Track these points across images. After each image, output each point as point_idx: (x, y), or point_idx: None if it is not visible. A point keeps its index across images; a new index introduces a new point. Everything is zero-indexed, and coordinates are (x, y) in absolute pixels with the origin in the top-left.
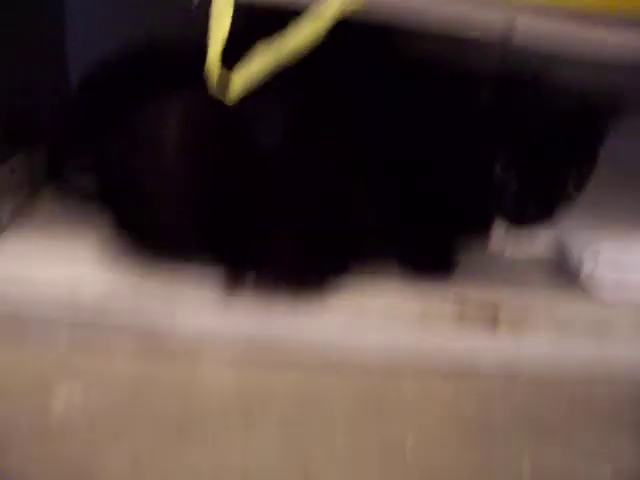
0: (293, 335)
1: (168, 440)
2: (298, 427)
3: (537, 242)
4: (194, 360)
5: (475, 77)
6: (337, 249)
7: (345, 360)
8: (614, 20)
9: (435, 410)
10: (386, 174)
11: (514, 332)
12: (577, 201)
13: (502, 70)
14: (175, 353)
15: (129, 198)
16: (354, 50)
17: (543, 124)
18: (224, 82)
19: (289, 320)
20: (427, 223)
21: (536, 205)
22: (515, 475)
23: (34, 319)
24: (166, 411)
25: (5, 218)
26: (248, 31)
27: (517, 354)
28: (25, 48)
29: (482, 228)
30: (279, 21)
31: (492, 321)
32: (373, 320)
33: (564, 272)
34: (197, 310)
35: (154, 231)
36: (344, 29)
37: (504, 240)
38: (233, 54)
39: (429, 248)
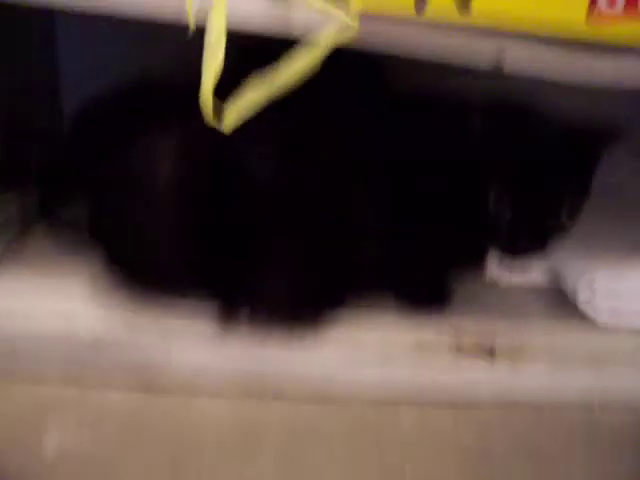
0: (288, 369)
1: (163, 476)
2: (295, 460)
3: (532, 271)
4: (189, 395)
5: (466, 107)
6: (332, 283)
7: (342, 393)
8: (604, 47)
9: (433, 441)
10: (380, 207)
11: (511, 362)
12: (571, 229)
13: (493, 100)
14: (170, 388)
15: (121, 233)
16: (347, 82)
17: (535, 154)
18: (218, 114)
19: (284, 354)
20: (421, 255)
21: (529, 235)
22: None
23: (27, 354)
24: (161, 446)
25: None
26: (241, 64)
27: (515, 384)
28: (18, 85)
29: (477, 258)
30: (272, 52)
31: (489, 351)
32: (369, 353)
33: (560, 301)
34: (192, 345)
35: (147, 266)
36: (337, 59)
37: (499, 269)
38: (226, 86)
39: (424, 281)
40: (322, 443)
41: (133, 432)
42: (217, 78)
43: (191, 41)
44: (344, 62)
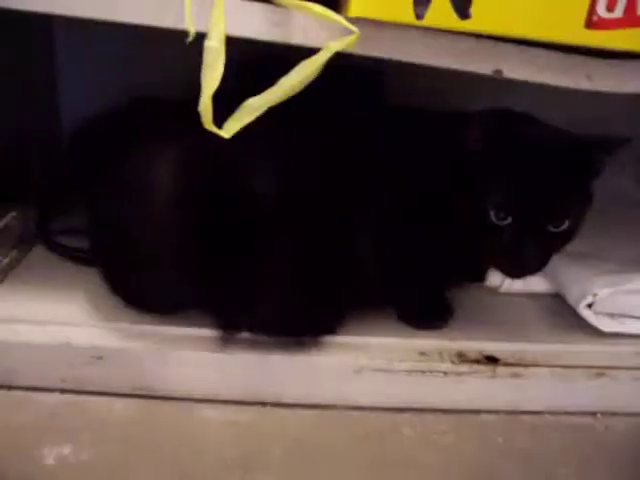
0: (290, 382)
1: None
2: (296, 470)
3: (534, 282)
4: (189, 411)
5: (466, 115)
6: (332, 300)
7: (344, 406)
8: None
9: (436, 455)
10: (380, 223)
11: (514, 375)
12: (573, 241)
13: (493, 107)
14: (169, 405)
15: (120, 252)
16: (345, 94)
17: (536, 166)
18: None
19: (286, 367)
20: (422, 273)
21: (531, 250)
22: None
23: (25, 373)
24: (161, 462)
25: None
26: (240, 78)
27: (517, 397)
28: (17, 104)
29: (477, 273)
30: (273, 67)
31: (491, 364)
32: (371, 362)
33: (561, 309)
34: (191, 362)
35: (146, 284)
36: (336, 70)
37: (500, 280)
38: (225, 100)
39: (425, 299)
40: (324, 456)
41: (133, 441)
42: (217, 83)
43: (191, 50)
44: (344, 68)
